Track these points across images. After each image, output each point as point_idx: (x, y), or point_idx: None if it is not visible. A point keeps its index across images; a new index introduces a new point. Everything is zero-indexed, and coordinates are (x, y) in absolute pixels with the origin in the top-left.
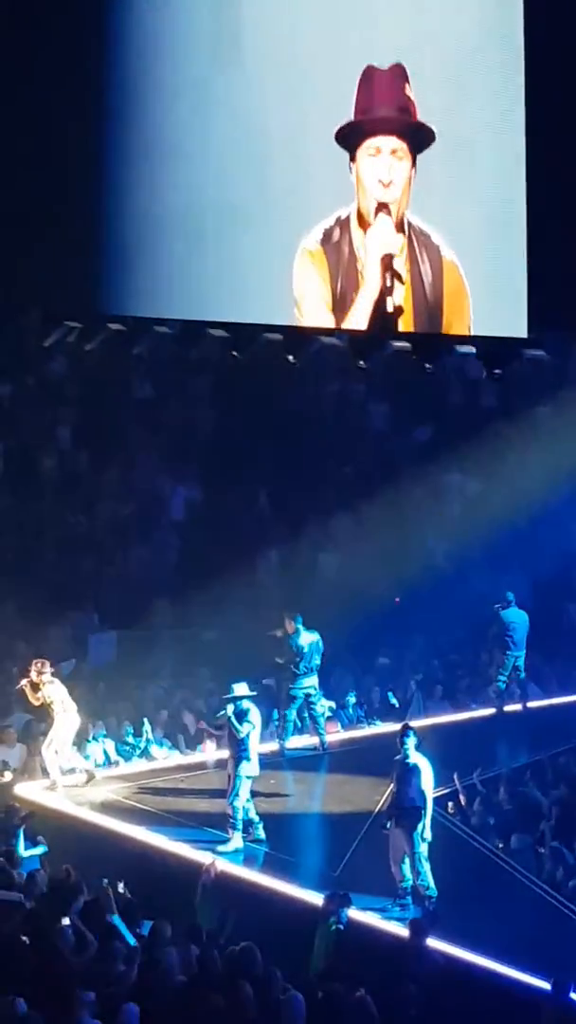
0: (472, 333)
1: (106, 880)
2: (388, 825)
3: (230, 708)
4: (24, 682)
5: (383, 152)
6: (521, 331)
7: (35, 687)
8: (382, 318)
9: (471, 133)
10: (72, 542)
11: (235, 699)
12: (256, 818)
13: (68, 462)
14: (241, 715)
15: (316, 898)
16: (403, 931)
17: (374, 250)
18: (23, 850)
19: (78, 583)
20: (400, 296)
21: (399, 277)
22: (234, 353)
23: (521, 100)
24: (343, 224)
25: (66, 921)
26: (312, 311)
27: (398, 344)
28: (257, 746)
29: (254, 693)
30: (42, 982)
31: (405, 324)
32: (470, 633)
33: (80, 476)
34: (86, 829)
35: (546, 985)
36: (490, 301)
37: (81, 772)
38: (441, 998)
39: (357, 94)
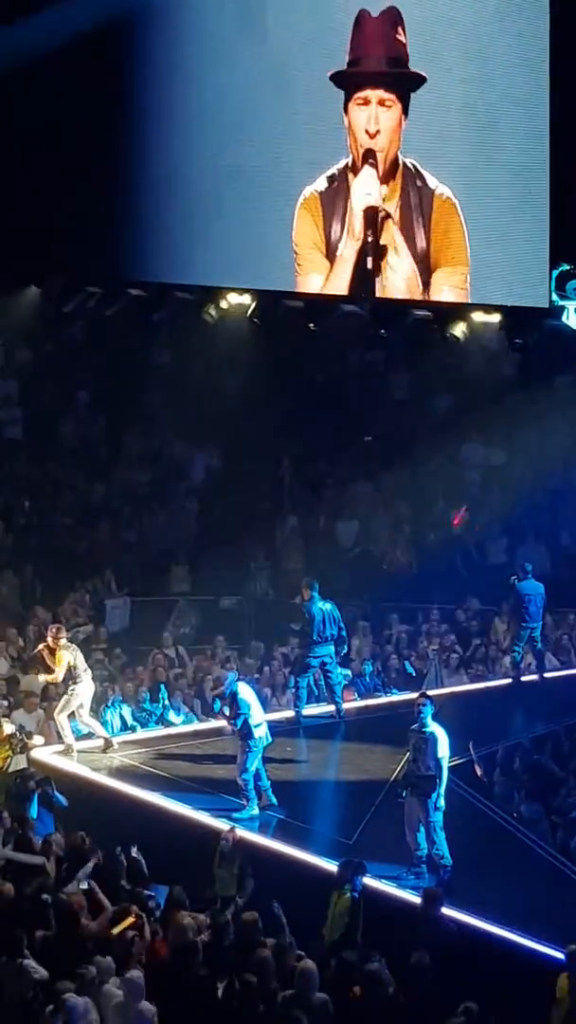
0: (468, 268)
1: (119, 848)
2: (404, 794)
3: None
4: (41, 646)
5: (371, 102)
6: (543, 301)
7: (52, 651)
8: (364, 265)
9: (494, 104)
10: (91, 508)
11: (224, 691)
12: (267, 783)
13: (87, 428)
14: (233, 698)
15: (331, 866)
16: (417, 899)
17: (357, 201)
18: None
19: (96, 549)
20: (385, 237)
21: (387, 217)
22: (255, 320)
23: (545, 70)
24: (343, 171)
25: (83, 885)
26: (307, 257)
27: (419, 313)
28: (260, 718)
29: (235, 672)
30: (59, 944)
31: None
32: (488, 603)
33: (99, 442)
34: (102, 794)
35: (560, 954)
36: (512, 271)
37: (98, 738)
38: (455, 966)
39: (350, 40)
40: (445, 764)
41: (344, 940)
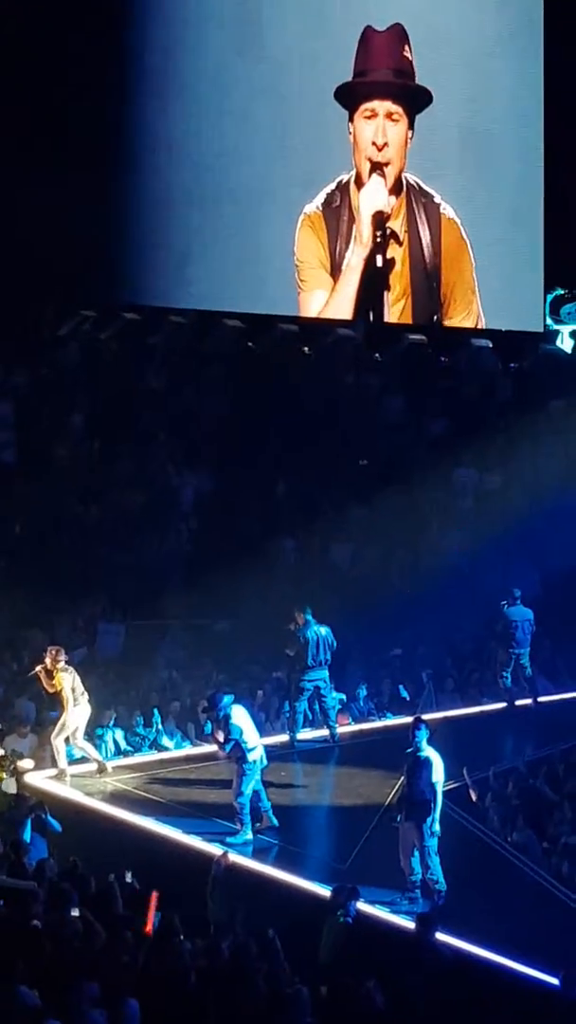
0: (479, 296)
1: (113, 875)
2: (399, 818)
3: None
4: (39, 668)
5: (378, 115)
6: (537, 325)
7: (49, 674)
8: (374, 273)
9: (490, 126)
10: (85, 531)
11: (212, 709)
12: (267, 804)
13: (82, 451)
14: (226, 721)
15: (325, 891)
16: (411, 924)
17: (366, 208)
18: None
19: (90, 572)
20: (392, 251)
21: (393, 235)
22: (249, 344)
23: (540, 96)
24: (343, 188)
25: (75, 912)
26: (310, 274)
27: (414, 337)
28: (255, 741)
29: (231, 695)
30: (51, 971)
31: (402, 281)
32: (482, 627)
33: (93, 465)
34: (95, 819)
35: (554, 980)
36: (506, 295)
37: (92, 762)
38: (449, 992)
39: (356, 56)
40: (440, 788)
41: (338, 965)
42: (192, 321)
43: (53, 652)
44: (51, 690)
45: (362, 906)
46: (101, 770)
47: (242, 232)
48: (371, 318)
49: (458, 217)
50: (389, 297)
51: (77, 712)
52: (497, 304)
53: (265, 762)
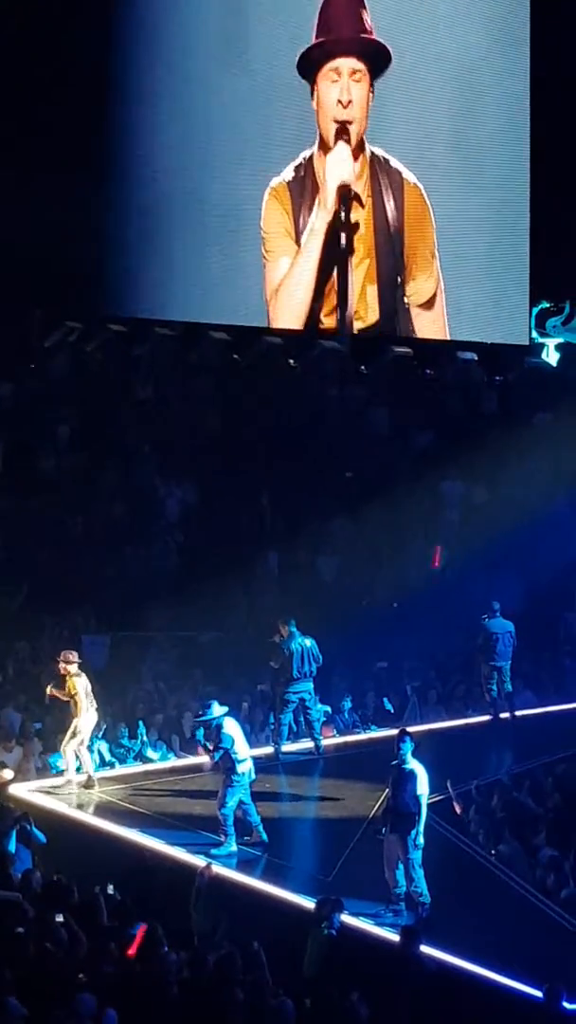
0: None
1: (98, 888)
2: (383, 831)
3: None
4: (49, 688)
5: (342, 73)
6: (523, 339)
7: (62, 680)
8: (337, 238)
9: (476, 141)
10: (70, 543)
11: (205, 720)
12: (257, 819)
13: (67, 463)
14: (217, 731)
15: (309, 903)
16: (396, 937)
17: (332, 175)
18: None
19: (75, 584)
20: (356, 215)
21: (357, 199)
22: (235, 356)
23: (526, 108)
24: (307, 159)
25: (59, 918)
26: (275, 243)
27: (399, 349)
28: (246, 753)
29: (225, 709)
30: (36, 981)
31: (365, 242)
32: (466, 640)
33: (78, 476)
34: (80, 830)
35: (538, 993)
36: (492, 309)
37: (82, 773)
38: (433, 1004)
39: (316, 22)
40: (424, 801)
41: (322, 977)
42: (178, 333)
43: (66, 656)
44: (66, 697)
45: (346, 918)
46: (89, 784)
47: (223, 244)
48: (334, 279)
49: (420, 184)
50: (353, 260)
51: (86, 719)
52: (483, 317)
53: (254, 776)
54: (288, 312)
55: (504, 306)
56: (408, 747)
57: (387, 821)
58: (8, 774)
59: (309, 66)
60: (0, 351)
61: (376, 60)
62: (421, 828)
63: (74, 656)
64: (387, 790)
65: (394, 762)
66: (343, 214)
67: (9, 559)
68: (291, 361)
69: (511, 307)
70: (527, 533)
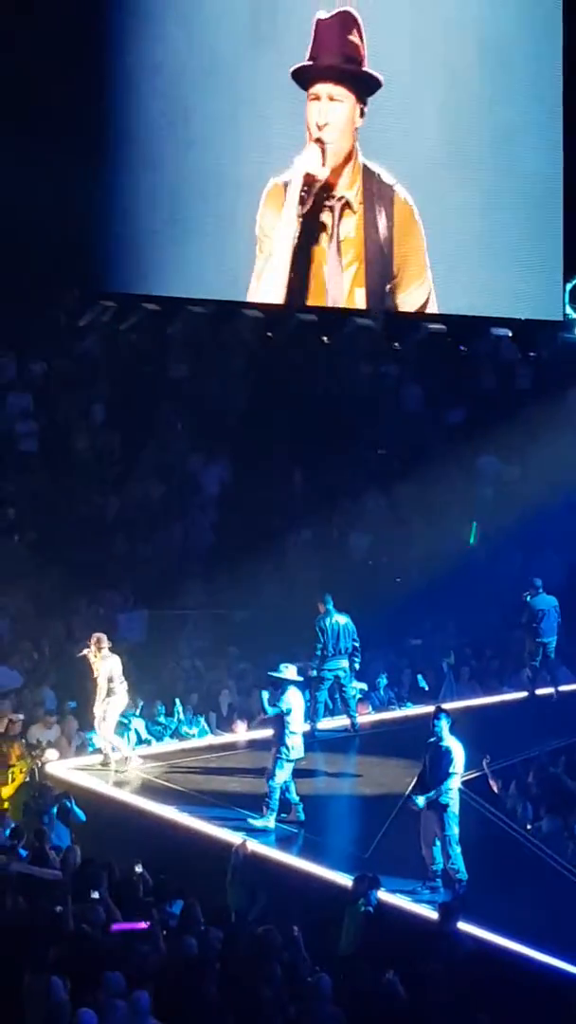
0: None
1: (140, 867)
2: (420, 803)
3: (265, 694)
4: (87, 651)
5: (322, 97)
6: (557, 314)
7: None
8: (308, 233)
9: (509, 120)
10: (105, 521)
11: (276, 680)
12: (296, 799)
13: (102, 441)
14: (280, 694)
15: (346, 880)
16: (432, 914)
17: (298, 169)
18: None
19: (110, 562)
20: (347, 222)
21: (348, 206)
22: (268, 334)
23: (559, 86)
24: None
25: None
26: (266, 242)
27: (433, 326)
28: (299, 728)
29: (299, 679)
30: (74, 959)
31: (356, 248)
32: (501, 616)
33: (114, 455)
34: (117, 808)
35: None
36: (526, 285)
37: (117, 752)
38: (470, 981)
39: (310, 44)
40: (459, 778)
41: (359, 954)
42: (211, 311)
43: (96, 639)
44: (95, 677)
45: (383, 895)
46: (123, 762)
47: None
48: (306, 277)
49: (411, 199)
50: (343, 261)
51: (116, 700)
52: (516, 293)
53: (302, 754)
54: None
55: (537, 282)
56: (444, 724)
57: (419, 792)
58: (53, 754)
59: (299, 83)
60: (34, 331)
61: (360, 85)
62: (455, 805)
63: (104, 641)
64: (422, 766)
65: (431, 739)
66: (313, 212)
67: (45, 539)
68: (324, 338)
69: (545, 283)
70: (562, 509)
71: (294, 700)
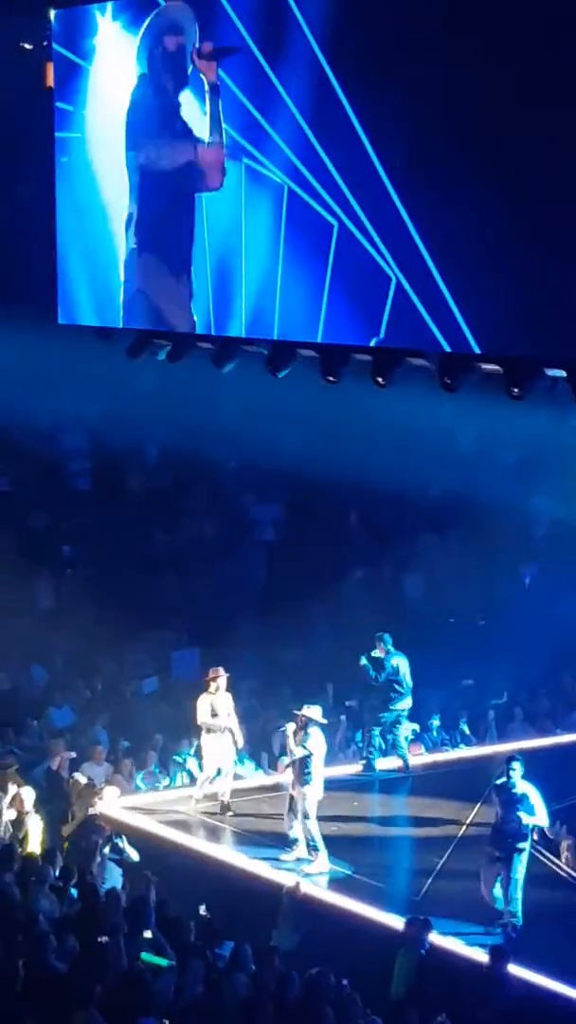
0: None
1: (203, 908)
2: (497, 854)
3: (291, 727)
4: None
5: None
6: None
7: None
8: None
9: None
10: (158, 559)
11: (302, 719)
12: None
13: (155, 480)
14: (303, 737)
15: (398, 922)
16: (484, 957)
17: None
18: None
19: (163, 600)
20: None
21: None
22: (330, 378)
23: None
24: None
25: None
26: None
27: (487, 367)
28: (321, 770)
29: (323, 721)
30: (121, 997)
31: None
32: (555, 657)
33: (167, 494)
34: (169, 848)
35: None
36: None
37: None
38: None
39: None
40: (537, 823)
41: (410, 998)
42: (266, 351)
43: (211, 674)
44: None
45: (435, 938)
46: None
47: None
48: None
49: None
50: None
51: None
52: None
53: (320, 794)
54: None
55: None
56: (517, 768)
57: (495, 842)
58: (113, 792)
59: None
60: (89, 369)
61: None
62: (527, 850)
63: (216, 672)
64: (497, 810)
65: (499, 781)
66: None
67: (98, 576)
68: (379, 379)
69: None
70: None
71: (318, 741)
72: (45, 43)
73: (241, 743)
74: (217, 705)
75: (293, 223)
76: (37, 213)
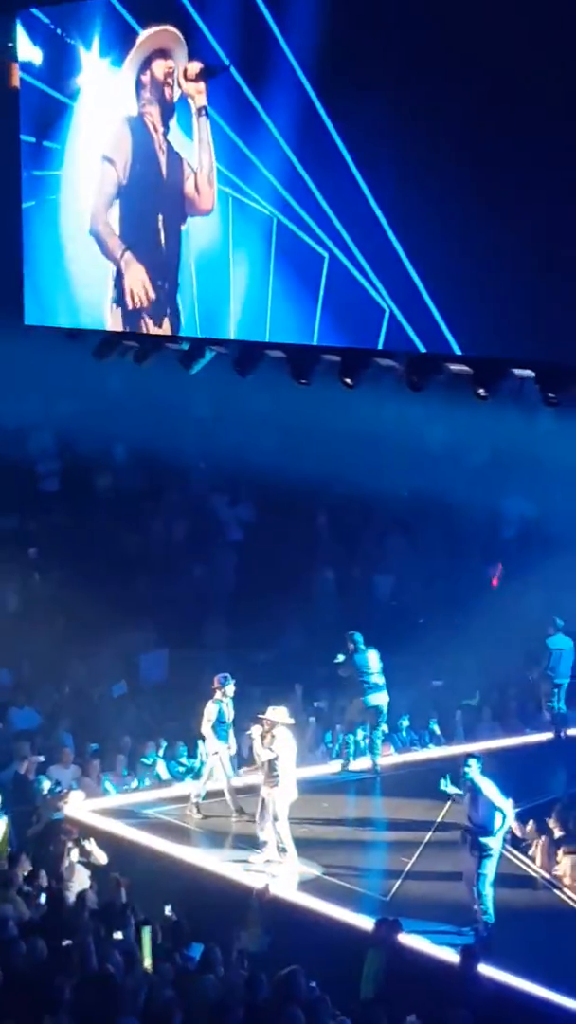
0: None
1: (169, 909)
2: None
3: (256, 729)
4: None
5: None
6: None
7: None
8: None
9: None
10: (127, 561)
11: (267, 722)
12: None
13: (123, 481)
14: (270, 740)
15: (367, 923)
16: (454, 957)
17: None
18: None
19: (132, 602)
20: None
21: None
22: (302, 381)
23: None
24: None
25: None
26: None
27: (455, 367)
28: (292, 772)
29: (290, 721)
30: (92, 1000)
31: None
32: (523, 657)
33: (136, 495)
34: (137, 850)
35: None
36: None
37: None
38: None
39: None
40: (499, 821)
41: (380, 998)
42: (234, 352)
43: (216, 681)
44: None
45: (405, 938)
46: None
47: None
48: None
49: None
50: None
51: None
52: (540, 334)
53: (293, 795)
54: None
55: (561, 324)
56: (474, 765)
57: (464, 839)
58: (79, 795)
59: None
60: (58, 370)
61: None
62: (496, 846)
63: (221, 682)
64: (464, 808)
65: (466, 780)
66: None
67: (66, 578)
68: (347, 380)
69: (567, 325)
70: None
71: (285, 742)
72: (10, 43)
73: (234, 748)
74: (227, 712)
75: (282, 252)
76: (1, 215)
